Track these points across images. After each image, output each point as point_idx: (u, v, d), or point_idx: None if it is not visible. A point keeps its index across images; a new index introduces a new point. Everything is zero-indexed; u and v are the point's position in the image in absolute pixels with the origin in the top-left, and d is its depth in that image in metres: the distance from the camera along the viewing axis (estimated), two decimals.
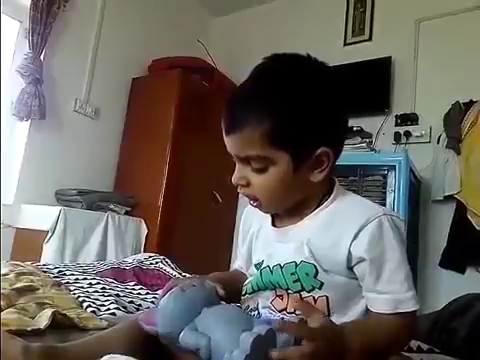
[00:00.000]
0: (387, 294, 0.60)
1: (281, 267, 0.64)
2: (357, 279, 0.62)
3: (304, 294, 0.62)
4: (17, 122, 2.27)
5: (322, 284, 0.61)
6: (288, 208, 0.68)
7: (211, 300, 0.60)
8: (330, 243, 0.62)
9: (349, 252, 0.61)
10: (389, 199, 2.07)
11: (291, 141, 0.60)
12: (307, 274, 0.62)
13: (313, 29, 2.99)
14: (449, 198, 2.27)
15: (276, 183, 0.62)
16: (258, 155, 0.60)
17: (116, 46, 2.75)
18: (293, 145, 0.60)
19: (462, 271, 2.24)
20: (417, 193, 2.38)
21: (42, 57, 2.26)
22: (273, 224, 0.71)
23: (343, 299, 0.63)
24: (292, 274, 0.63)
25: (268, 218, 0.72)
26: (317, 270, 0.62)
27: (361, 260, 0.60)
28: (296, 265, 0.63)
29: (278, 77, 0.61)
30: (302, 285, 0.62)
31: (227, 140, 0.63)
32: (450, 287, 2.11)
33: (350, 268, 0.62)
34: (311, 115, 0.60)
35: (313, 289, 0.62)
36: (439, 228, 2.34)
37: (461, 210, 2.22)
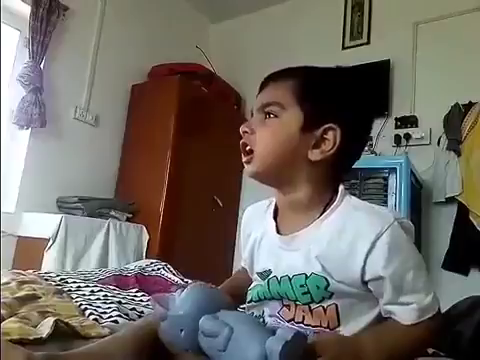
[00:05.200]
0: (411, 304, 0.59)
1: (290, 278, 0.63)
2: (370, 291, 0.60)
3: (313, 305, 0.61)
4: (18, 130, 2.28)
5: (332, 294, 0.60)
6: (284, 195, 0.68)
7: (227, 306, 0.61)
8: (342, 255, 0.60)
9: (364, 268, 0.58)
10: (390, 202, 2.06)
11: (310, 99, 0.64)
12: (318, 287, 0.61)
13: (311, 34, 3.01)
14: (450, 200, 2.26)
15: (278, 134, 0.64)
16: (276, 101, 0.65)
17: (115, 53, 2.77)
18: (310, 103, 0.64)
19: (465, 273, 2.23)
20: (418, 195, 2.37)
21: (42, 66, 2.27)
22: (277, 231, 0.69)
23: (354, 306, 0.61)
24: (301, 286, 0.62)
25: (271, 224, 0.70)
26: (328, 283, 0.60)
27: (379, 278, 0.58)
28: (306, 277, 0.61)
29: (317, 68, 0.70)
30: (312, 297, 0.61)
31: (259, 96, 0.69)
32: (453, 289, 2.09)
33: (364, 282, 0.60)
34: (336, 91, 0.66)
35: (323, 300, 0.61)
36: (441, 230, 2.33)
37: (463, 212, 2.21)
